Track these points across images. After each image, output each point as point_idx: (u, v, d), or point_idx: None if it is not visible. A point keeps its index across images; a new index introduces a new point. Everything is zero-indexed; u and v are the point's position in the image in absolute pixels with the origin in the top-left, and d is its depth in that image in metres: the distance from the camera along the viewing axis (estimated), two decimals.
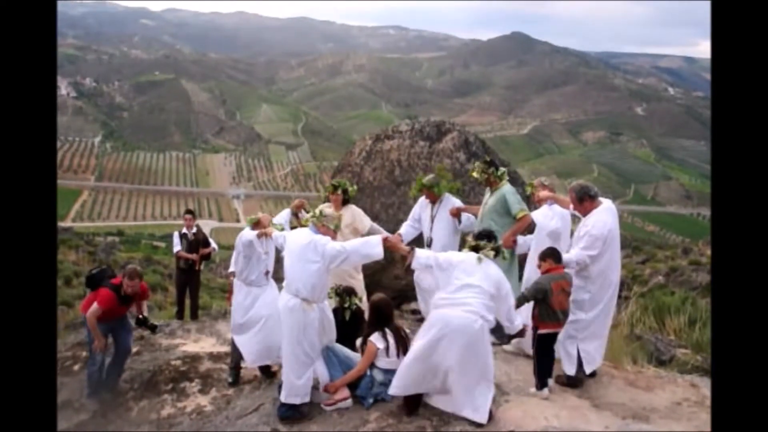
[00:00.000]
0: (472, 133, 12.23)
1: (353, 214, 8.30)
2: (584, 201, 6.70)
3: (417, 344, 5.91)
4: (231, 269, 7.83)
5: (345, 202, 8.45)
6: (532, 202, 8.18)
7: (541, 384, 6.40)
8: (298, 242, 6.38)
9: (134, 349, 8.59)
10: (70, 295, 17.31)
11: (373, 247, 6.26)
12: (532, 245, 7.52)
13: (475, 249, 6.07)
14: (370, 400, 6.34)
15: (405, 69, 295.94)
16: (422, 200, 8.62)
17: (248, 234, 7.10)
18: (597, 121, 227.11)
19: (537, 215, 7.43)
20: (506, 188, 7.97)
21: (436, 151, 11.07)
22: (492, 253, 6.06)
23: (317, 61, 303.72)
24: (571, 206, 6.95)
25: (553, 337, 6.42)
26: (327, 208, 8.11)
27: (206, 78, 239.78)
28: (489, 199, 8.07)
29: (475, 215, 8.27)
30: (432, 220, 8.38)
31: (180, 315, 11.47)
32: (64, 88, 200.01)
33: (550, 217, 7.36)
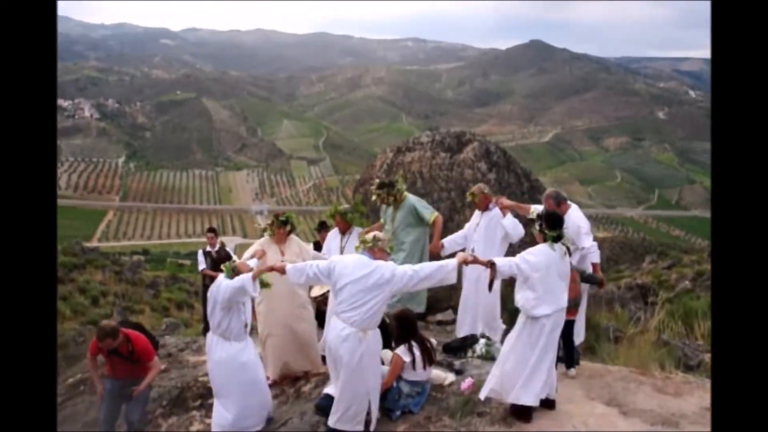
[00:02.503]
0: (493, 142, 12.25)
1: (299, 245, 8.23)
2: (561, 205, 7.56)
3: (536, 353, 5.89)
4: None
5: (288, 233, 8.30)
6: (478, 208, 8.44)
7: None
8: (357, 271, 5.93)
9: (162, 366, 8.47)
10: (98, 315, 17.53)
11: (448, 272, 5.98)
12: (479, 249, 7.94)
13: (558, 239, 5.94)
14: (398, 412, 6.38)
15: (424, 80, 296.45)
16: (333, 231, 8.93)
17: (232, 282, 6.54)
18: (618, 127, 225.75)
19: (506, 223, 8.00)
20: (411, 199, 8.64)
21: (457, 161, 11.08)
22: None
23: (337, 75, 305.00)
24: None
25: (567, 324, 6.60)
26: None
27: (227, 96, 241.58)
28: (396, 214, 8.64)
29: None
30: (341, 251, 8.45)
31: (206, 331, 11.52)
32: (87, 110, 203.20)
33: (516, 223, 8.03)
